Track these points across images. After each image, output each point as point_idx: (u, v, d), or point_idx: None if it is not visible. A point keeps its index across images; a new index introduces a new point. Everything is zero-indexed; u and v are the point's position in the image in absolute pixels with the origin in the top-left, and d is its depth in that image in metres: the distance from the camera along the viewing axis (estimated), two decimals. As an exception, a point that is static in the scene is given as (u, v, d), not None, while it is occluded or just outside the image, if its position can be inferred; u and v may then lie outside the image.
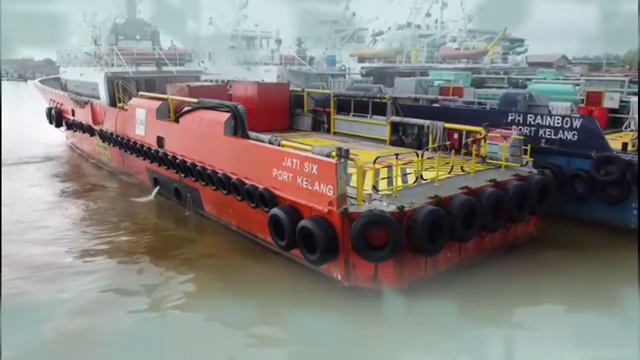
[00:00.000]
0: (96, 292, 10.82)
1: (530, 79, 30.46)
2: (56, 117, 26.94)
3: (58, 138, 30.05)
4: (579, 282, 11.60)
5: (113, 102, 22.00)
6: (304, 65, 26.07)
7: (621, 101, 19.88)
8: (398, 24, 40.86)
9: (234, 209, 13.25)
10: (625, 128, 18.76)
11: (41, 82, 34.93)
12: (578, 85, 25.66)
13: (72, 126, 24.98)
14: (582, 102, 20.54)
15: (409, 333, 9.24)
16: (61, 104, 26.94)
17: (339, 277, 10.43)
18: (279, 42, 27.93)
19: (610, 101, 19.75)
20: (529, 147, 13.09)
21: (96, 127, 21.90)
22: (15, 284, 10.70)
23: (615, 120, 19.62)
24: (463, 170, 12.31)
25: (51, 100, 28.87)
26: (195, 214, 15.63)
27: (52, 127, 28.41)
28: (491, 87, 30.00)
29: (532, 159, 13.07)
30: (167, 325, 9.74)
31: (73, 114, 25.04)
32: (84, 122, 23.37)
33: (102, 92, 22.83)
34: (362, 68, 28.84)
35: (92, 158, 24.72)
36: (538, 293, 11.02)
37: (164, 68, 23.84)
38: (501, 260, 11.74)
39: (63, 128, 27.52)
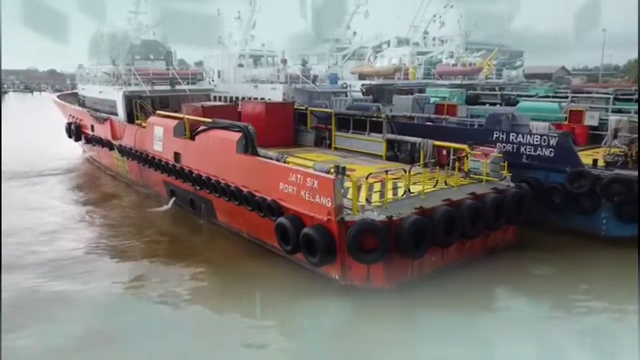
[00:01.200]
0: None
1: (522, 95, 32.12)
2: (75, 132, 28.77)
3: (75, 151, 31.88)
4: (553, 284, 13.16)
5: (130, 119, 23.77)
6: (307, 84, 27.78)
7: (601, 119, 21.43)
8: (397, 39, 42.79)
9: (245, 218, 14.86)
10: (604, 144, 20.26)
11: (59, 97, 36.96)
12: (566, 102, 27.31)
13: (92, 141, 26.75)
14: (566, 120, 22.17)
15: (394, 328, 10.82)
16: (80, 120, 28.78)
17: (337, 277, 12.02)
18: (284, 61, 29.73)
19: (591, 119, 21.35)
20: (506, 164, 14.65)
21: (115, 142, 23.64)
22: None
23: (596, 137, 21.17)
24: (447, 184, 13.89)
25: (70, 115, 30.75)
26: (208, 222, 17.26)
27: (70, 140, 30.36)
28: (485, 103, 31.76)
29: (510, 174, 14.62)
30: (183, 319, 11.29)
31: (92, 129, 26.84)
32: (103, 137, 25.13)
33: (120, 110, 24.61)
34: (363, 85, 30.58)
35: (109, 170, 26.44)
36: (513, 293, 12.60)
37: (177, 87, 25.64)
38: (481, 264, 13.26)
39: (82, 142, 29.35)
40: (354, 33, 36.38)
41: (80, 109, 29.46)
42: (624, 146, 17.32)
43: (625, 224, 14.98)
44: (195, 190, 17.12)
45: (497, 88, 36.81)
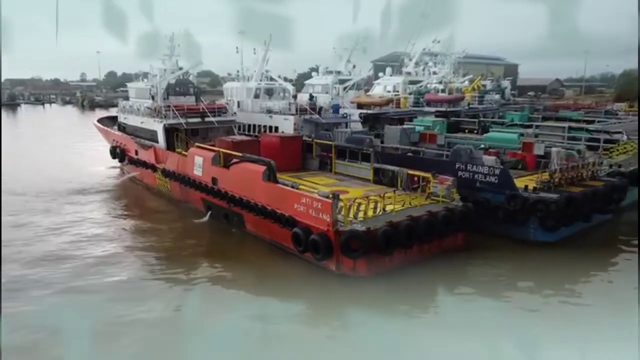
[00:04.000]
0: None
1: (497, 123, 37.61)
2: (120, 155, 34.66)
3: (112, 171, 37.79)
4: (489, 275, 18.63)
5: (170, 147, 29.56)
6: (314, 115, 33.42)
7: (546, 147, 26.79)
8: (392, 70, 48.54)
9: (268, 227, 20.38)
10: (546, 169, 25.26)
11: (99, 121, 43.13)
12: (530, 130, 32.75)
13: (136, 163, 32.49)
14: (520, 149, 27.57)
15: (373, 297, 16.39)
16: (124, 145, 34.65)
17: (333, 268, 17.54)
18: (295, 97, 35.26)
19: (539, 149, 26.73)
20: (455, 189, 20.11)
21: (159, 166, 29.36)
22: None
23: (542, 164, 26.49)
24: (411, 205, 19.39)
25: (114, 140, 36.69)
26: (239, 231, 22.84)
27: (110, 162, 37.10)
28: (465, 130, 37.37)
29: (459, 196, 20.07)
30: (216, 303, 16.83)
31: (136, 154, 32.62)
32: (147, 161, 30.87)
33: (161, 139, 30.42)
34: (360, 115, 36.21)
35: (152, 188, 32.06)
36: (463, 280, 18.03)
37: (206, 119, 31.34)
38: (435, 260, 18.62)
39: (125, 163, 35.19)
40: (354, 66, 42.04)
41: (125, 135, 35.38)
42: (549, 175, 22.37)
43: (547, 232, 20.49)
44: (229, 207, 22.69)
45: (480, 115, 42.19)
